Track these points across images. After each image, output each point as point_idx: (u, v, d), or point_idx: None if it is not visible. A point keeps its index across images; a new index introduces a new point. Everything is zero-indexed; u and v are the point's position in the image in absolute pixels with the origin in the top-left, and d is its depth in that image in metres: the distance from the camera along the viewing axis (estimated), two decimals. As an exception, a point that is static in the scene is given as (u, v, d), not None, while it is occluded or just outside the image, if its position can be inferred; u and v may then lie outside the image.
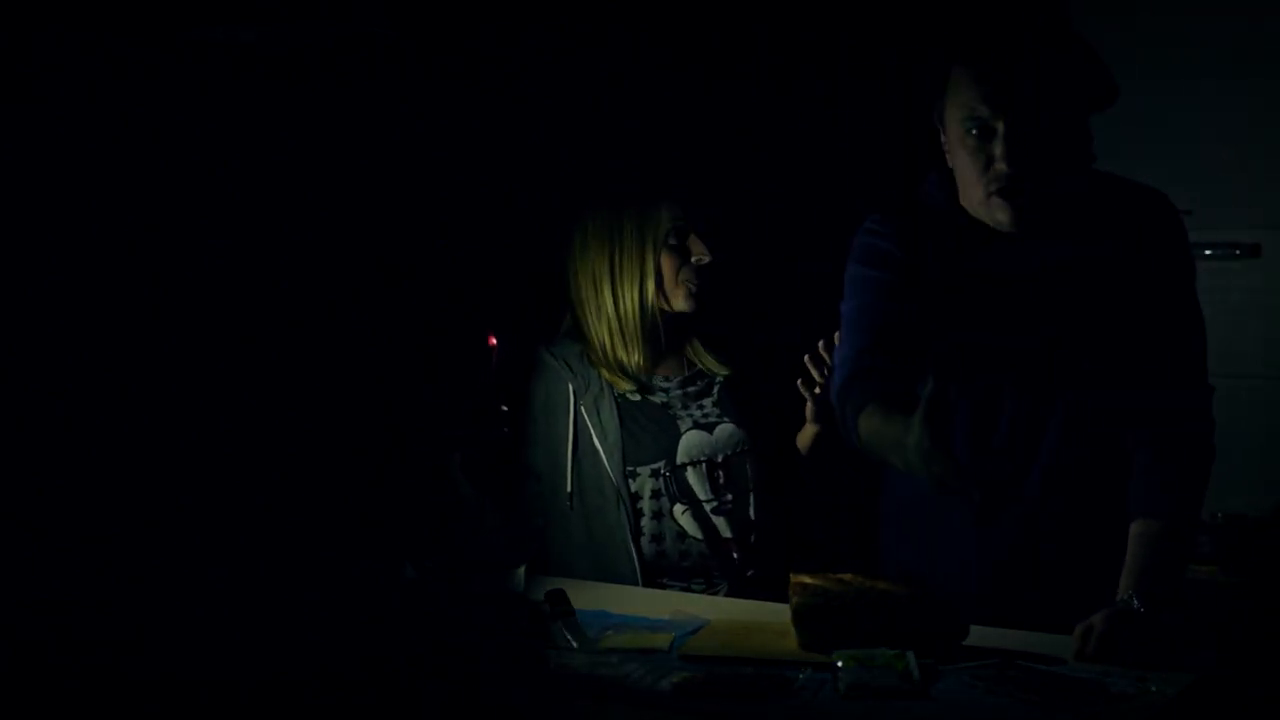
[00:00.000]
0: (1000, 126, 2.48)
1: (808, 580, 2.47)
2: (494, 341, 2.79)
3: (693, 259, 2.96)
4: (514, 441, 2.99)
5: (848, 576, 2.51)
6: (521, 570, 2.70)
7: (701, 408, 3.00)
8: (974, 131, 2.50)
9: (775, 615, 2.58)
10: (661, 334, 2.99)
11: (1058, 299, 2.60)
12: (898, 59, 3.71)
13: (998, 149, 2.49)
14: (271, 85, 2.82)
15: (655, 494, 2.94)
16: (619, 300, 2.96)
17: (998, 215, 2.55)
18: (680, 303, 2.97)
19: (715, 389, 3.02)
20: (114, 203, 2.62)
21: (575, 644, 2.49)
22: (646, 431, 2.95)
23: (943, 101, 2.56)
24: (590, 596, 2.71)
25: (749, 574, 2.95)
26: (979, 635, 2.44)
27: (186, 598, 2.52)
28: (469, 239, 3.16)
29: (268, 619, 2.47)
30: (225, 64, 2.76)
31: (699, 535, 2.94)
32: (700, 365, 3.04)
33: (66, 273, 2.57)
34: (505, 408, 2.84)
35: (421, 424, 2.88)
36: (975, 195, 2.55)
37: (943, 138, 2.60)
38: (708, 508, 2.95)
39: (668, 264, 2.96)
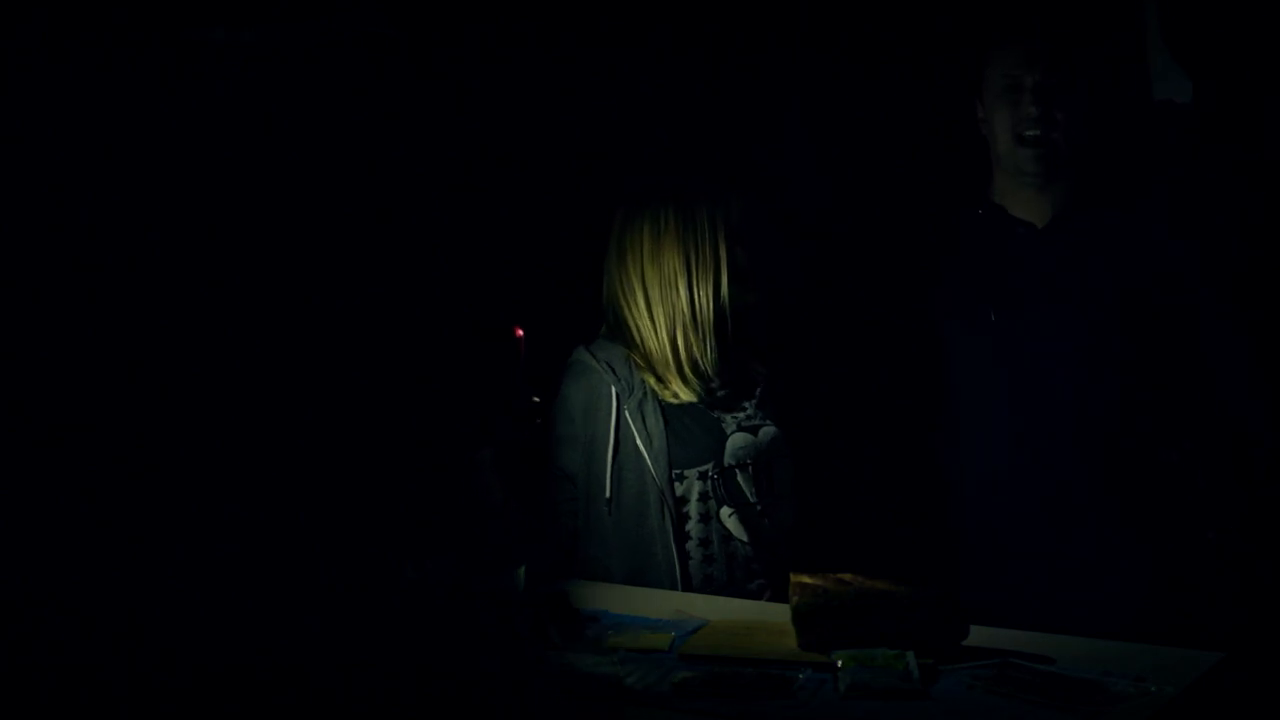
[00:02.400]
0: (1029, 81, 2.89)
1: (808, 580, 2.47)
2: (520, 333, 2.76)
3: (763, 255, 2.94)
4: (546, 443, 2.97)
5: (848, 576, 2.50)
6: (522, 570, 2.69)
7: (745, 409, 2.97)
8: (1008, 87, 2.91)
9: (775, 615, 2.58)
10: (729, 330, 2.96)
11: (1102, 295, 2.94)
12: (921, 61, 3.70)
13: (1027, 98, 2.89)
14: (271, 85, 2.83)
15: (703, 496, 2.90)
16: (694, 294, 2.90)
17: (1023, 163, 2.93)
18: (753, 295, 2.94)
19: (756, 391, 3.00)
20: (114, 202, 2.63)
21: (574, 645, 2.49)
22: (692, 434, 2.92)
23: (983, 76, 2.99)
24: (592, 597, 2.71)
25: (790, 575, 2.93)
26: (979, 635, 2.44)
27: (190, 596, 2.52)
28: (484, 235, 3.16)
29: (267, 620, 2.47)
30: (225, 64, 2.76)
31: (744, 538, 2.91)
32: (746, 367, 3.00)
33: (68, 273, 2.57)
34: (537, 399, 2.82)
35: (439, 416, 2.87)
36: (1004, 144, 2.95)
37: (980, 115, 3.02)
38: (753, 511, 2.93)
39: (742, 257, 2.93)
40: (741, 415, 2.95)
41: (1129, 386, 2.91)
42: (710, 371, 2.92)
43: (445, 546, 2.55)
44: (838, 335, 3.45)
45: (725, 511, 2.91)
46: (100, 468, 2.58)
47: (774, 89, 3.66)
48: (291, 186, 2.86)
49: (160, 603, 2.50)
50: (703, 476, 2.90)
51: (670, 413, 2.92)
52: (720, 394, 2.95)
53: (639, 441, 2.88)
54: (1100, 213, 2.98)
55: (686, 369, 2.90)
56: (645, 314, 2.92)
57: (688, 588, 2.86)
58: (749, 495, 2.91)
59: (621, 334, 2.95)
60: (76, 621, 2.43)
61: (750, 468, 2.92)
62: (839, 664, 2.31)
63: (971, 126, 3.13)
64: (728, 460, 2.91)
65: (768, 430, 2.95)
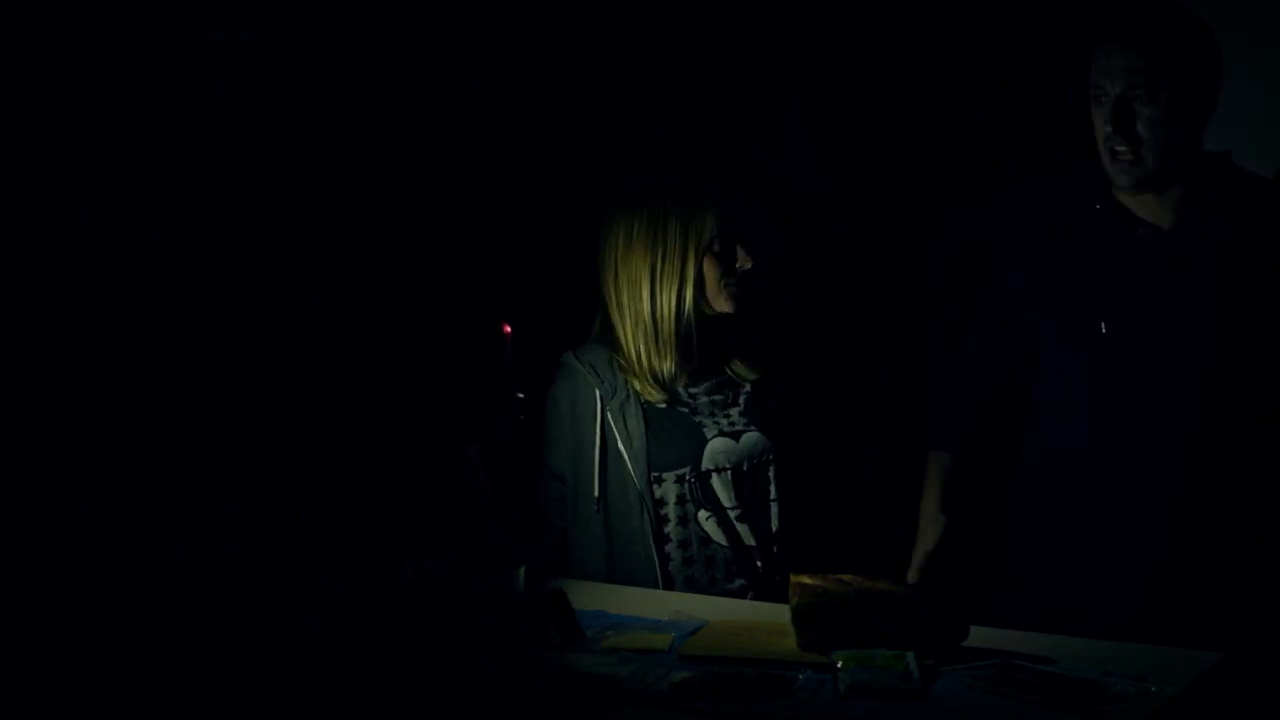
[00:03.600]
0: (1111, 94, 2.74)
1: (807, 580, 2.47)
2: (509, 330, 2.77)
3: (736, 265, 2.93)
4: (536, 442, 2.99)
5: (847, 577, 2.51)
6: (522, 570, 2.70)
7: (728, 416, 2.97)
8: (1095, 97, 2.78)
9: (775, 615, 2.58)
10: (695, 341, 2.96)
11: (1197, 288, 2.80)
12: (921, 61, 3.70)
13: (1107, 113, 2.76)
14: (271, 85, 2.82)
15: (680, 499, 2.92)
16: (656, 304, 2.92)
17: (1115, 177, 2.80)
18: (722, 304, 2.93)
19: (742, 397, 3.00)
20: (114, 202, 2.62)
21: (574, 645, 2.49)
22: (672, 437, 2.93)
23: (1087, 78, 2.80)
24: (592, 597, 2.71)
25: (777, 578, 2.93)
26: (979, 635, 2.44)
27: (190, 596, 2.52)
28: (482, 235, 3.16)
29: (267, 620, 2.47)
30: (225, 64, 2.76)
31: (724, 541, 2.93)
32: (730, 371, 3.01)
33: (68, 273, 2.57)
34: (521, 395, 2.83)
35: (437, 415, 2.87)
36: (1102, 155, 2.81)
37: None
38: (732, 515, 2.94)
39: (711, 269, 2.92)
40: (725, 421, 2.96)
41: (1237, 397, 2.82)
42: (666, 378, 2.93)
43: (445, 546, 2.55)
44: (837, 337, 3.46)
45: (703, 515, 2.92)
46: (100, 468, 2.57)
47: (774, 89, 3.66)
48: (291, 186, 2.86)
49: (160, 603, 2.50)
50: (679, 480, 2.92)
51: (651, 415, 2.94)
52: (704, 399, 2.97)
53: (620, 443, 2.90)
54: (1226, 218, 2.82)
55: (647, 378, 2.92)
56: (618, 316, 2.95)
57: (669, 588, 2.88)
58: (726, 500, 2.93)
59: (608, 334, 2.97)
60: (76, 621, 2.43)
61: (729, 473, 2.93)
62: (839, 664, 2.31)
63: (968, 127, 3.11)
64: (705, 465, 2.93)
65: (750, 436, 2.96)
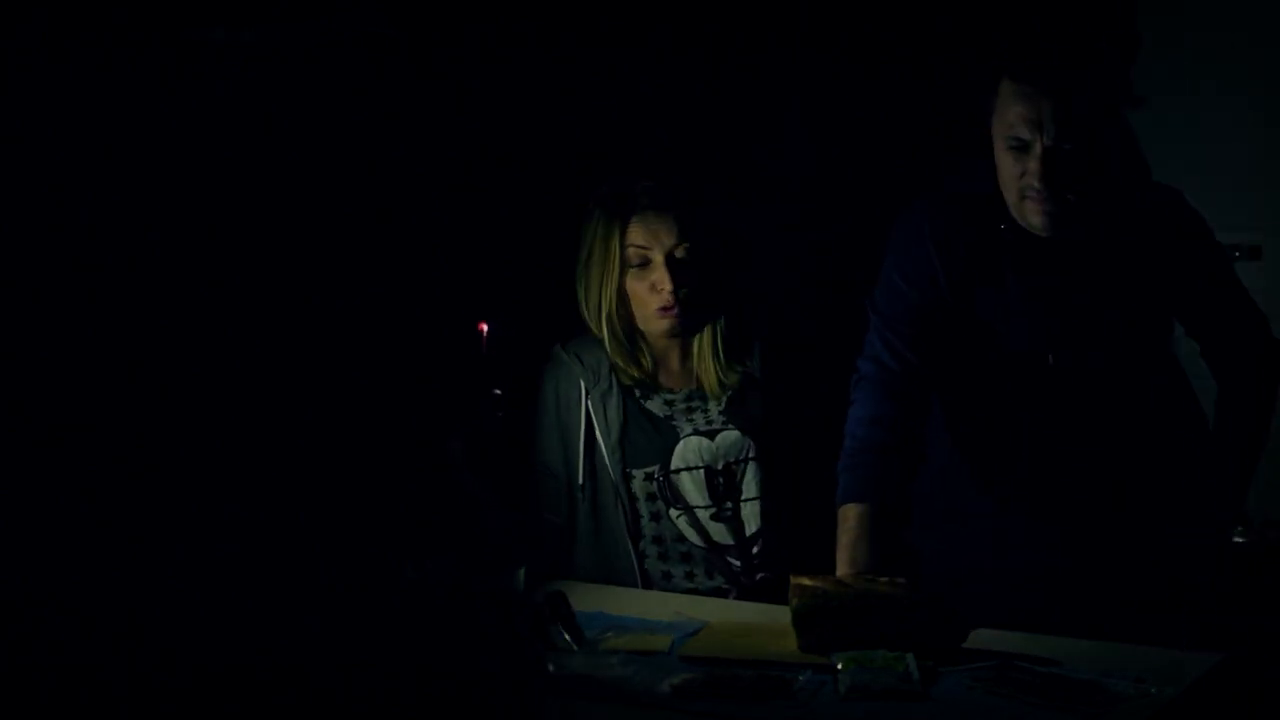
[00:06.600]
0: (1036, 146, 2.59)
1: (807, 582, 2.47)
2: (484, 328, 2.79)
3: (668, 287, 2.90)
4: (528, 440, 2.99)
5: (847, 578, 2.51)
6: (521, 570, 2.70)
7: (706, 414, 2.97)
8: (1013, 146, 2.62)
9: (775, 617, 2.58)
10: (645, 347, 2.98)
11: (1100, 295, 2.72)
12: (921, 61, 3.70)
13: (1032, 164, 2.60)
14: (271, 85, 2.82)
15: (650, 497, 2.93)
16: (590, 307, 2.96)
17: (1030, 219, 2.67)
18: (654, 325, 2.94)
19: (725, 396, 2.99)
20: (114, 202, 2.62)
21: (574, 645, 2.49)
22: (645, 434, 2.94)
23: (991, 107, 2.67)
24: (592, 598, 2.71)
25: (758, 578, 2.93)
26: (979, 636, 2.44)
27: (190, 596, 2.52)
28: (481, 235, 3.16)
29: (267, 620, 2.47)
30: (225, 64, 2.76)
31: (697, 540, 2.93)
32: (702, 383, 3.00)
33: (68, 273, 2.57)
34: (498, 391, 2.84)
35: (430, 414, 2.88)
36: (1011, 196, 2.68)
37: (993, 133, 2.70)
38: (705, 514, 2.93)
39: (634, 287, 2.93)
40: (702, 419, 2.96)
41: (1142, 384, 2.80)
42: (624, 377, 2.93)
43: (445, 546, 2.55)
44: (830, 335, 3.46)
45: (674, 513, 2.92)
46: (100, 468, 2.57)
47: (774, 89, 3.66)
48: (291, 186, 2.86)
49: (160, 603, 2.50)
50: (649, 478, 2.92)
51: (631, 410, 2.94)
52: (679, 405, 2.97)
53: (599, 433, 2.91)
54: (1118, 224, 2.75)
55: (618, 369, 2.94)
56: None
57: (647, 585, 2.89)
58: (698, 499, 2.92)
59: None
60: (76, 621, 2.43)
61: (701, 471, 2.93)
62: (838, 665, 2.31)
63: (967, 127, 3.10)
64: (675, 463, 2.93)
65: (727, 435, 2.95)
